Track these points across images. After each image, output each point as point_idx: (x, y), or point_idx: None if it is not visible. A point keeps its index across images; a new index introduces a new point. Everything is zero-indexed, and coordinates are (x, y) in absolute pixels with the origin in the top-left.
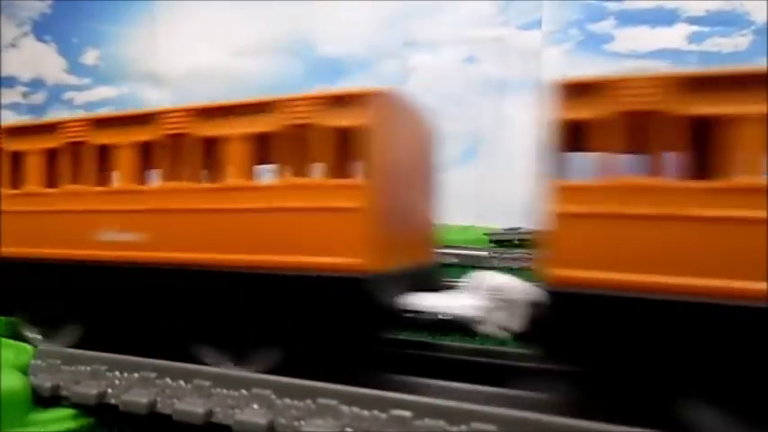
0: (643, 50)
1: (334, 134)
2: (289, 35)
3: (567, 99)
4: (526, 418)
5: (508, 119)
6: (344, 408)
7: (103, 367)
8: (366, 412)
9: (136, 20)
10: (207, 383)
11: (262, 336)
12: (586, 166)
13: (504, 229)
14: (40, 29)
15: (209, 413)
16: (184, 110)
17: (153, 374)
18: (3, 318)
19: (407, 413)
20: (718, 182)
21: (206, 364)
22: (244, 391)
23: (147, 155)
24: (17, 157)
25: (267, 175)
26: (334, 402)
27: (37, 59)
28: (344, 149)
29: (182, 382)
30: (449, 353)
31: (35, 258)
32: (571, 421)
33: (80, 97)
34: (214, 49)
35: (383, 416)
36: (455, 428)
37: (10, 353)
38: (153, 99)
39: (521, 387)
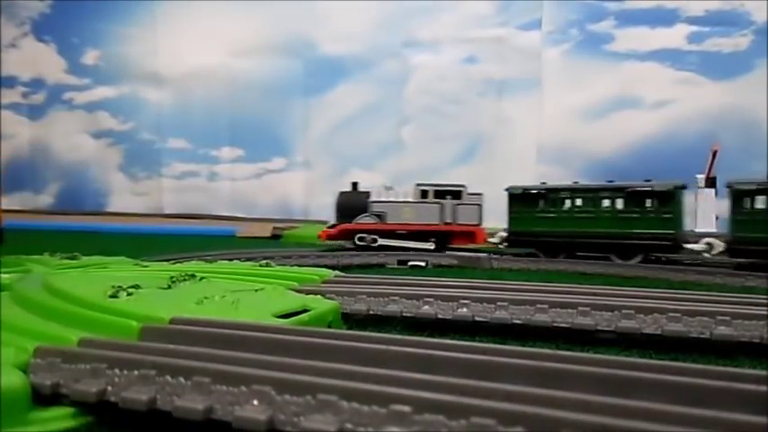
0: (643, 50)
1: None
2: (289, 35)
3: None
4: (525, 413)
5: (508, 119)
6: (344, 403)
7: (103, 365)
8: (366, 407)
9: (136, 20)
10: (206, 380)
11: None
12: None
13: (504, 229)
14: (40, 29)
15: (209, 409)
16: None
17: (152, 372)
18: None
19: (407, 408)
20: None
21: None
22: (243, 388)
23: None
24: None
25: None
26: (333, 398)
27: (37, 59)
28: None
29: (181, 379)
30: None
31: None
32: (572, 415)
33: (80, 97)
34: (214, 49)
35: (383, 411)
36: (454, 423)
37: (9, 351)
38: (153, 99)
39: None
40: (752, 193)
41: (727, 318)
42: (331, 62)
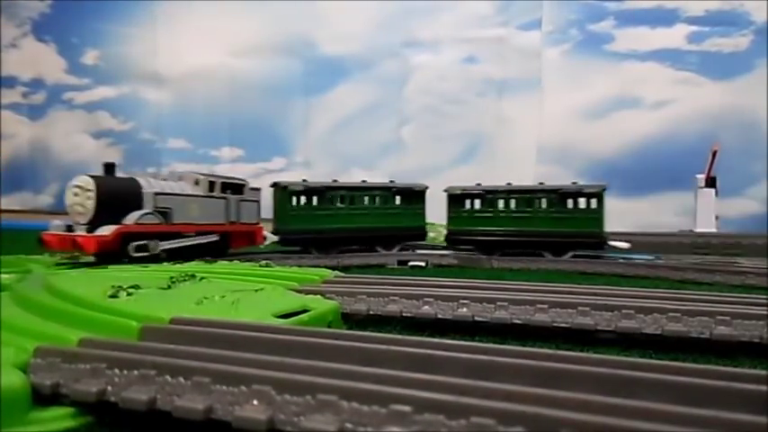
0: (643, 50)
1: None
2: (289, 35)
3: None
4: (525, 413)
5: (508, 119)
6: (344, 403)
7: (103, 365)
8: (365, 407)
9: (136, 20)
10: (207, 380)
11: None
12: None
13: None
14: (40, 29)
15: (209, 409)
16: None
17: (152, 372)
18: None
19: (407, 408)
20: None
21: None
22: (243, 388)
23: None
24: None
25: None
26: (333, 398)
27: (37, 59)
28: None
29: (181, 379)
30: None
31: None
32: (572, 415)
33: (80, 97)
34: (214, 49)
35: (383, 411)
36: (454, 423)
37: (9, 351)
38: (153, 99)
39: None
40: (463, 197)
41: (727, 318)
42: (331, 62)
